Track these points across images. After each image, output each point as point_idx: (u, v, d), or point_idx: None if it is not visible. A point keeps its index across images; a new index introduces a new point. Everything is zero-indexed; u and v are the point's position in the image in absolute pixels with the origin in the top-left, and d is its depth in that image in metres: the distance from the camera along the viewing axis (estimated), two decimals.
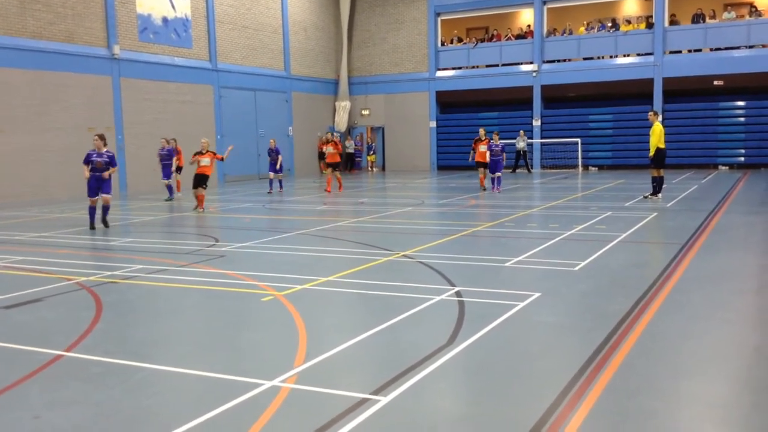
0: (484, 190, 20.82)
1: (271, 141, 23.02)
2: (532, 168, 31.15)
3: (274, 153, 22.26)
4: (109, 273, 9.15)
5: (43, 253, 11.06)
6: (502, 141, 21.14)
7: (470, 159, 21.81)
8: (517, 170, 30.49)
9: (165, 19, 26.13)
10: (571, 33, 31.94)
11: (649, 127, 17.00)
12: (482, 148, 20.96)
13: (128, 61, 24.50)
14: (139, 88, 24.92)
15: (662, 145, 16.82)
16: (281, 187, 22.99)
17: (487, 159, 20.76)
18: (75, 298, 7.88)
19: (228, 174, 28.97)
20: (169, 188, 20.66)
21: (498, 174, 20.63)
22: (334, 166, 21.97)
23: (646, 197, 16.95)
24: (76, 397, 4.81)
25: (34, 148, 21.66)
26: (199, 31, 27.65)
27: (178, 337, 6.51)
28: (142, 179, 24.55)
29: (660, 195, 16.98)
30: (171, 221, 15.25)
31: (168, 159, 20.91)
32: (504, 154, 20.79)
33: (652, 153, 16.80)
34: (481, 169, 21.39)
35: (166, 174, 20.84)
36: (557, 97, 32.24)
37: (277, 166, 22.22)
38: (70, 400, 4.75)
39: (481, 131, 21.65)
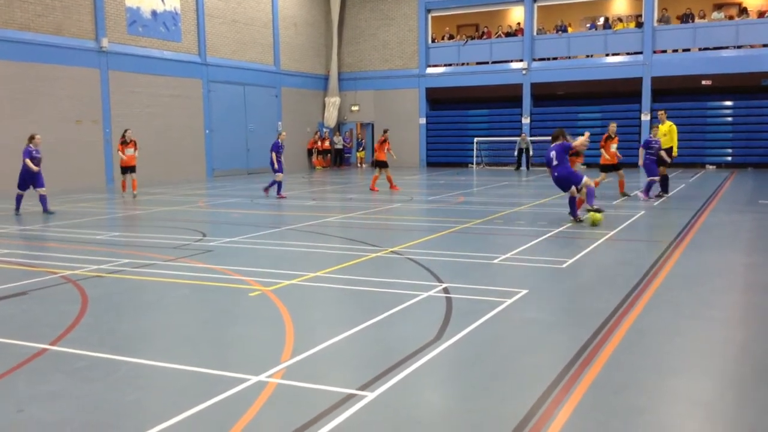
0: (626, 195, 17.26)
1: (283, 134, 19.78)
2: (521, 167, 31.19)
3: (283, 149, 19.13)
4: (95, 267, 9.09)
5: (28, 246, 10.98)
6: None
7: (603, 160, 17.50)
8: (519, 168, 30.79)
9: (154, 13, 25.98)
10: (565, 31, 31.96)
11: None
12: (614, 147, 17.21)
13: (117, 54, 24.35)
14: (127, 81, 24.78)
15: (668, 145, 17.14)
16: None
17: (617, 160, 17.36)
18: (60, 291, 7.82)
19: (217, 168, 28.88)
20: (19, 200, 15.80)
21: (655, 178, 16.72)
22: (382, 165, 20.65)
23: (659, 195, 17.01)
24: (61, 390, 4.77)
25: (21, 141, 21.42)
26: (188, 24, 27.50)
27: (164, 331, 6.48)
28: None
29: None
30: (158, 215, 15.17)
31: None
32: (663, 152, 16.90)
33: (675, 152, 16.93)
34: (605, 174, 17.39)
35: (36, 182, 15.61)
36: (546, 95, 32.32)
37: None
38: (55, 393, 4.72)
39: (612, 126, 17.59)
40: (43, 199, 15.60)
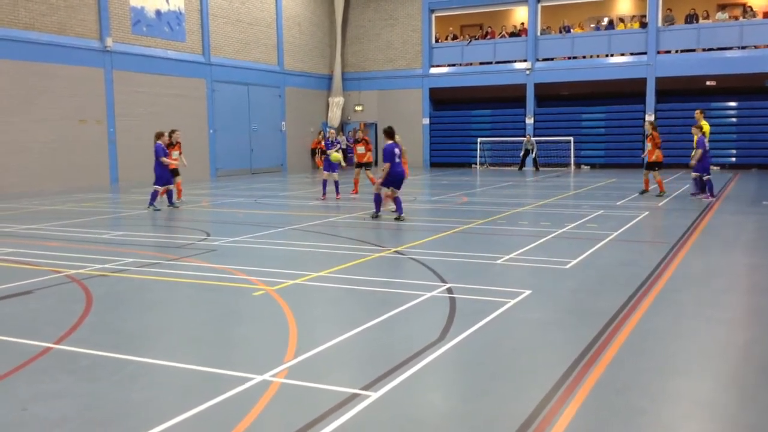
0: (644, 192, 17.90)
1: (331, 131, 18.89)
2: (525, 167, 31.15)
3: (332, 147, 18.09)
4: (100, 266, 9.12)
5: (32, 245, 11.00)
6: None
7: (643, 156, 17.98)
8: (522, 168, 30.80)
9: (158, 12, 26.01)
10: (569, 31, 31.88)
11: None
12: (650, 146, 17.47)
13: (121, 53, 24.39)
14: (131, 80, 24.82)
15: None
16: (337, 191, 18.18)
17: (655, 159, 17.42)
18: (65, 290, 7.84)
19: (220, 168, 28.91)
20: (170, 194, 16.44)
21: (706, 176, 16.69)
22: (365, 166, 19.00)
23: (694, 194, 17.20)
24: (65, 389, 4.79)
25: (24, 140, 21.54)
26: (192, 24, 27.54)
27: (168, 330, 6.49)
28: (133, 172, 24.43)
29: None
30: (163, 215, 15.20)
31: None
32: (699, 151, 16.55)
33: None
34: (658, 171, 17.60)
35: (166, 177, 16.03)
36: (550, 95, 32.29)
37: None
38: (58, 392, 4.73)
39: (646, 124, 17.69)
40: (169, 194, 16.40)
